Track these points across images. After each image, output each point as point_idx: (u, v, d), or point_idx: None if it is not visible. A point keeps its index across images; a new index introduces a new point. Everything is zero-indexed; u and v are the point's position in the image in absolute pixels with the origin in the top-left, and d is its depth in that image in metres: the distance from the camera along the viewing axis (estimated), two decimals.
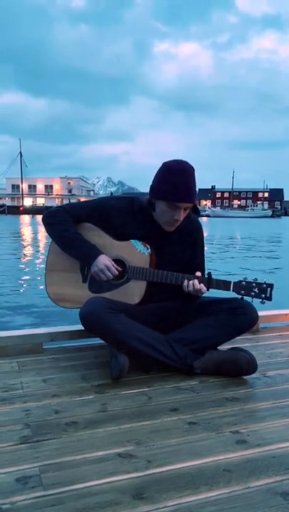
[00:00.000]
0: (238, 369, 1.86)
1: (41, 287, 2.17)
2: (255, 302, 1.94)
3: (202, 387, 1.78)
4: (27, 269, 9.40)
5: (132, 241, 2.00)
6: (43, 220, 2.08)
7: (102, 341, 1.98)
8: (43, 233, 21.68)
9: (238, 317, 1.93)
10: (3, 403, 1.62)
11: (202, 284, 1.91)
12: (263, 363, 2.02)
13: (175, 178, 1.85)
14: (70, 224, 2.02)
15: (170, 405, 1.61)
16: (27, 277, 8.09)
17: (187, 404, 1.62)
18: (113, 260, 1.97)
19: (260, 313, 2.11)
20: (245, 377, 1.87)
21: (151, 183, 1.94)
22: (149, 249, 1.98)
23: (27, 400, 1.64)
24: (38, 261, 10.66)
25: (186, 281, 1.92)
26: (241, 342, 2.27)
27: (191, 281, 1.91)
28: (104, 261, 1.93)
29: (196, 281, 1.90)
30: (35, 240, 18.74)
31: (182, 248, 2.05)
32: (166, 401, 1.65)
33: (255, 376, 1.87)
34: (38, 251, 13.69)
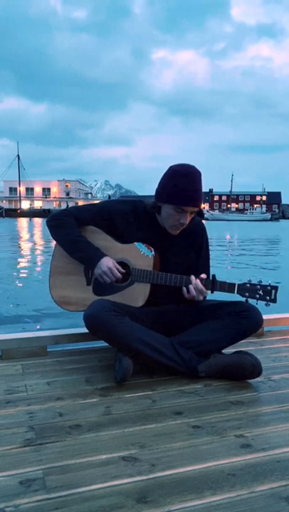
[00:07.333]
0: (243, 373, 1.85)
1: (45, 290, 2.18)
2: (260, 305, 1.93)
3: (206, 391, 1.77)
4: (29, 271, 9.40)
5: (136, 243, 2.00)
6: (48, 222, 2.08)
7: (106, 344, 1.98)
8: (41, 236, 21.71)
9: (243, 320, 1.92)
10: (7, 406, 1.62)
11: (203, 287, 1.90)
12: (268, 366, 2.01)
13: (182, 181, 1.85)
14: (74, 227, 2.03)
15: (174, 409, 1.61)
16: (30, 280, 8.10)
17: (191, 407, 1.62)
18: (117, 263, 1.97)
19: (265, 317, 2.11)
20: (249, 381, 1.86)
21: (156, 186, 1.95)
22: (153, 252, 1.98)
23: (31, 403, 1.64)
24: (39, 263, 10.66)
25: (191, 279, 1.91)
26: (246, 345, 2.27)
27: (193, 281, 1.90)
28: (108, 263, 1.93)
29: (198, 281, 1.89)
30: (34, 242, 18.76)
31: (187, 251, 2.05)
32: (170, 404, 1.64)
33: (259, 380, 1.87)
34: (38, 253, 13.70)
